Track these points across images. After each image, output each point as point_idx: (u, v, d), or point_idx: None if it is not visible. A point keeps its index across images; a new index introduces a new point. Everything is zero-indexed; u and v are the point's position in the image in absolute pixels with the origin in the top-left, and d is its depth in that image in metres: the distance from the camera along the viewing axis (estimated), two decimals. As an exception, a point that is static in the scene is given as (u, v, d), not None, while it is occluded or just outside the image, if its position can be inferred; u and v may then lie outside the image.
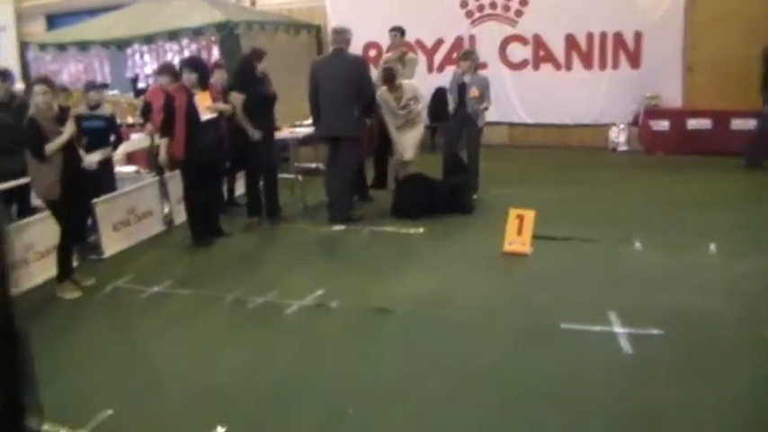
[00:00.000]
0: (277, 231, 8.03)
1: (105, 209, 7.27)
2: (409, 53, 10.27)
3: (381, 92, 8.54)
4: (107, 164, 7.82)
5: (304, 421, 3.93)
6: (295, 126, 9.81)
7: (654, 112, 11.84)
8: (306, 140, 9.44)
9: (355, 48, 9.32)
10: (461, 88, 8.82)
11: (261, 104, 7.91)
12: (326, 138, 8.29)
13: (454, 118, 9.01)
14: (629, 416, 3.83)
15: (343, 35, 8.22)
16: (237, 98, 7.79)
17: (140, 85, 13.21)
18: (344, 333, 5.21)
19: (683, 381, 4.18)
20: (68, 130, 5.97)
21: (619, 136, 12.22)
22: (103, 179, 7.63)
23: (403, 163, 8.78)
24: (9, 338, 0.45)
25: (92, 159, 6.67)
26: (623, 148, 12.16)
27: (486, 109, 8.96)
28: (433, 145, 11.90)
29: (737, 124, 11.17)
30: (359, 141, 8.29)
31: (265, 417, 4.01)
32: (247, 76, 7.93)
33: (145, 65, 12.95)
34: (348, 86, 7.95)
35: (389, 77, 8.46)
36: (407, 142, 8.69)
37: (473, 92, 8.69)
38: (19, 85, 8.74)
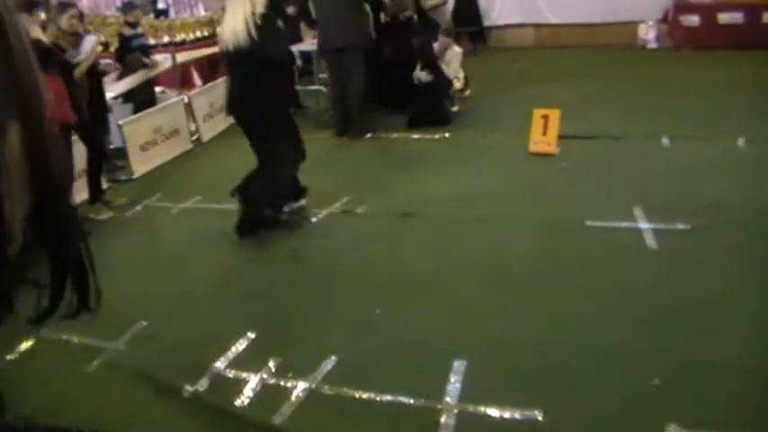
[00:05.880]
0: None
1: (132, 130, 7.32)
2: None
3: None
4: (149, 83, 8.51)
5: (333, 325, 4.03)
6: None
7: (684, 6, 11.54)
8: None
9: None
10: None
11: None
12: (328, 50, 7.76)
13: None
14: (655, 307, 3.86)
15: None
16: None
17: (160, 5, 13.15)
18: (372, 237, 5.28)
19: (709, 274, 4.18)
20: (93, 54, 6.06)
21: (648, 33, 11.96)
22: (148, 98, 8.35)
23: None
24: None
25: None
26: (653, 45, 11.91)
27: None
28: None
29: (769, 17, 10.87)
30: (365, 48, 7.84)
31: (293, 322, 4.11)
32: None
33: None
34: None
35: None
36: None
37: None
38: None
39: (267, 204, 5.39)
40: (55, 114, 5.31)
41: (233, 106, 5.32)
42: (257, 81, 5.00)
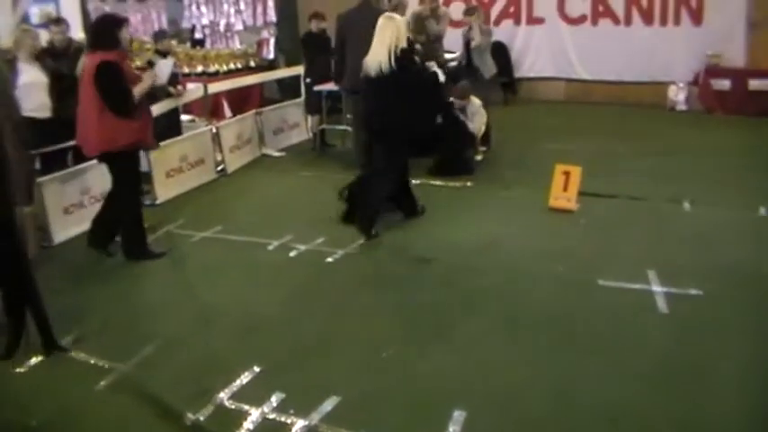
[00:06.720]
0: (327, 184, 8.13)
1: (159, 156, 7.44)
2: (441, 7, 10.22)
3: None
4: (174, 111, 8.54)
5: (339, 364, 4.06)
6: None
7: (715, 70, 11.53)
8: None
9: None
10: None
11: None
12: (352, 92, 7.66)
13: None
14: (662, 370, 3.86)
15: None
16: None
17: (197, 35, 13.41)
18: (386, 279, 5.34)
19: (717, 341, 4.17)
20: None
21: (678, 94, 11.94)
22: (172, 126, 8.32)
23: None
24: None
25: None
26: (682, 107, 11.90)
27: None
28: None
29: (803, 85, 10.85)
30: None
31: (299, 358, 4.15)
32: None
33: (202, 15, 13.16)
34: None
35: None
36: None
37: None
38: (81, 35, 9.07)
39: (379, 203, 6.29)
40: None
41: (369, 121, 6.40)
42: (391, 103, 6.05)
